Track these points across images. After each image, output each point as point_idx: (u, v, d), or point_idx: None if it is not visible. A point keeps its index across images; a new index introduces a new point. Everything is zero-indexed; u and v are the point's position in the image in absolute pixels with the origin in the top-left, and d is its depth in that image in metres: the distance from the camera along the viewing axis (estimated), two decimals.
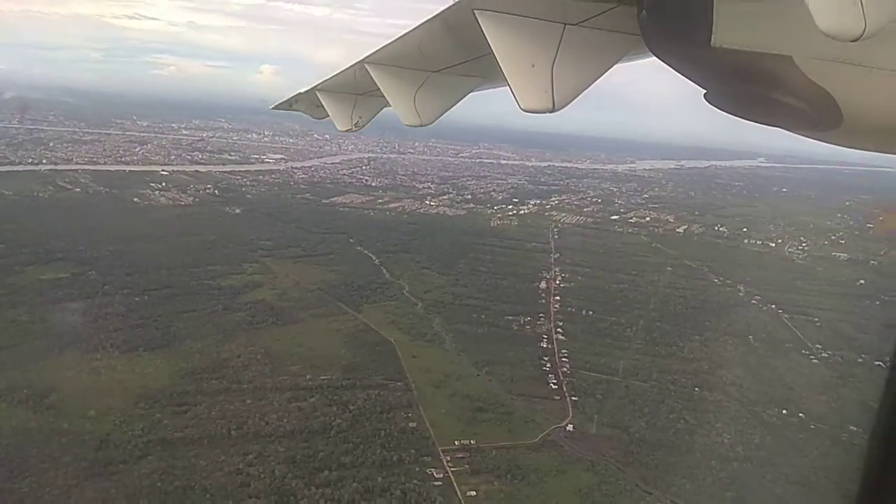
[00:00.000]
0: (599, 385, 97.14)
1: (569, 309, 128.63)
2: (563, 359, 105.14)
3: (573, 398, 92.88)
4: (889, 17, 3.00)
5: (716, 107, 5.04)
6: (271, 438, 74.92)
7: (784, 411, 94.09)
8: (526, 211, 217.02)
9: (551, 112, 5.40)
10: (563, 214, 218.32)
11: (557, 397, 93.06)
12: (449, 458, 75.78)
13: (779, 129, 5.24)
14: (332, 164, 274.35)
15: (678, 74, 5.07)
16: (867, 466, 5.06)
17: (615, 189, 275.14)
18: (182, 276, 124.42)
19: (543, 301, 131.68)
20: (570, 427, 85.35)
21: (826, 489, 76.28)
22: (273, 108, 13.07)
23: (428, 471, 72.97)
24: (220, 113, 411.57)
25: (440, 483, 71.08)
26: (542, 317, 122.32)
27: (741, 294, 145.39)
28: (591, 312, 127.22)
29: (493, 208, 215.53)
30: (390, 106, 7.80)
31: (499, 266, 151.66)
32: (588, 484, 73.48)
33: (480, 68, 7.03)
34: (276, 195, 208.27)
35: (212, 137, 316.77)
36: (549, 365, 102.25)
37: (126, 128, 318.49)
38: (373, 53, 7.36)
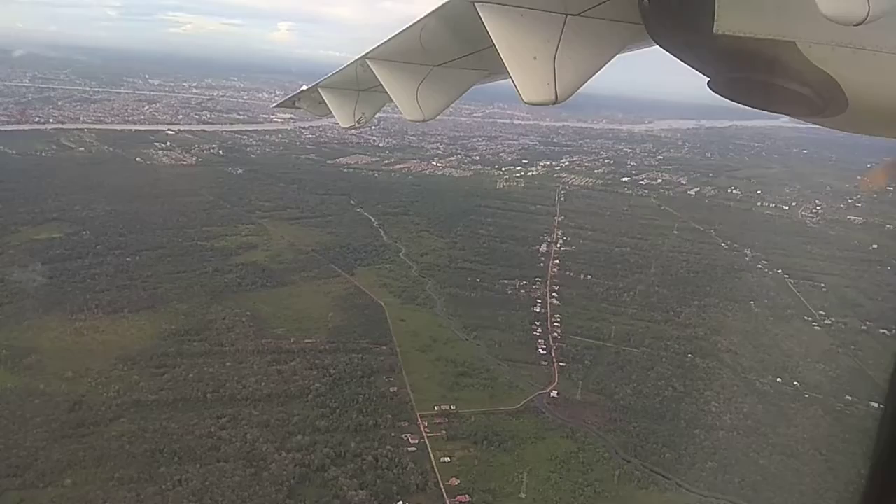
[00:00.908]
0: (589, 351, 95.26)
1: (567, 273, 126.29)
2: (555, 324, 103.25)
3: (561, 364, 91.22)
4: (893, 1, 2.99)
5: (719, 94, 5.03)
6: (247, 402, 74.42)
7: (778, 379, 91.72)
8: (534, 172, 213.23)
9: (554, 104, 5.38)
10: (573, 176, 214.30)
11: (545, 363, 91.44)
12: (426, 424, 74.79)
13: (783, 115, 5.22)
14: (335, 123, 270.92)
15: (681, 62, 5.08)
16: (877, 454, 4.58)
17: (629, 150, 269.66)
18: (176, 237, 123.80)
19: (542, 265, 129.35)
20: (554, 393, 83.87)
21: (812, 459, 74.52)
22: (275, 107, 13.95)
23: (403, 436, 72.09)
24: (233, 72, 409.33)
25: (414, 449, 70.16)
26: (538, 281, 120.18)
27: (747, 258, 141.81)
28: (589, 276, 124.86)
29: (500, 170, 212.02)
30: (392, 101, 7.81)
31: (500, 229, 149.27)
32: (566, 451, 72.17)
33: (482, 62, 7.02)
34: (281, 155, 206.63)
35: (222, 97, 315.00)
36: (539, 330, 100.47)
37: (137, 87, 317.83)
38: (374, 49, 7.33)
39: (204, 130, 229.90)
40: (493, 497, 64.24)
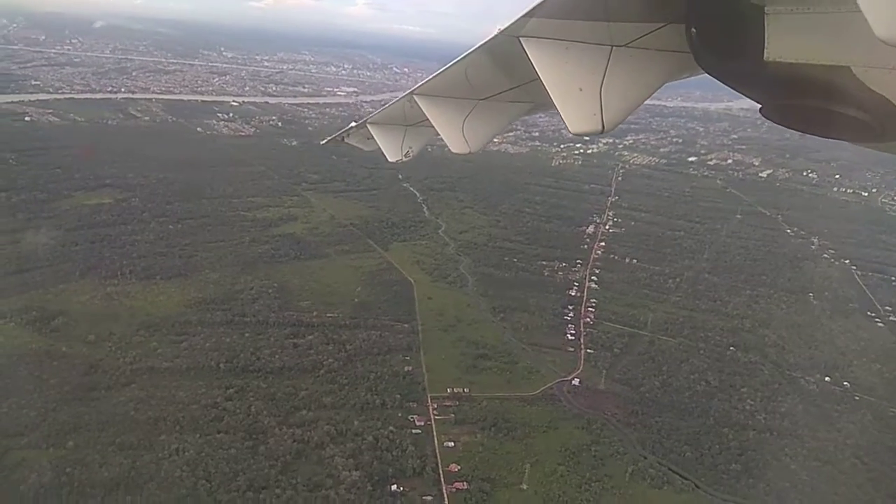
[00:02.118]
0: (621, 339, 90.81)
1: (611, 256, 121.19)
2: (590, 309, 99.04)
3: (588, 351, 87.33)
4: None
5: (772, 121, 5.07)
6: (258, 374, 74.31)
7: (827, 378, 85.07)
8: (594, 150, 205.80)
9: (601, 134, 5.52)
10: (635, 155, 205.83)
11: (571, 349, 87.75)
12: (436, 406, 72.87)
13: (840, 141, 5.14)
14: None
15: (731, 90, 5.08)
16: None
17: (701, 129, 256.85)
18: (220, 207, 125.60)
19: (586, 247, 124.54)
20: (575, 381, 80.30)
21: (852, 468, 68.58)
22: (324, 144, 14.26)
23: (409, 417, 70.41)
24: (306, 45, 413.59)
25: (419, 431, 68.40)
26: (579, 263, 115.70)
27: (813, 247, 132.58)
28: (634, 260, 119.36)
29: (558, 147, 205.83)
30: (439, 135, 7.96)
31: (547, 208, 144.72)
32: (578, 443, 68.80)
33: (527, 94, 7.15)
34: (338, 128, 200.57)
35: (291, 70, 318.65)
36: (571, 314, 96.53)
37: (211, 59, 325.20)
38: (421, 85, 7.61)
39: (267, 102, 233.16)
40: (492, 486, 61.73)
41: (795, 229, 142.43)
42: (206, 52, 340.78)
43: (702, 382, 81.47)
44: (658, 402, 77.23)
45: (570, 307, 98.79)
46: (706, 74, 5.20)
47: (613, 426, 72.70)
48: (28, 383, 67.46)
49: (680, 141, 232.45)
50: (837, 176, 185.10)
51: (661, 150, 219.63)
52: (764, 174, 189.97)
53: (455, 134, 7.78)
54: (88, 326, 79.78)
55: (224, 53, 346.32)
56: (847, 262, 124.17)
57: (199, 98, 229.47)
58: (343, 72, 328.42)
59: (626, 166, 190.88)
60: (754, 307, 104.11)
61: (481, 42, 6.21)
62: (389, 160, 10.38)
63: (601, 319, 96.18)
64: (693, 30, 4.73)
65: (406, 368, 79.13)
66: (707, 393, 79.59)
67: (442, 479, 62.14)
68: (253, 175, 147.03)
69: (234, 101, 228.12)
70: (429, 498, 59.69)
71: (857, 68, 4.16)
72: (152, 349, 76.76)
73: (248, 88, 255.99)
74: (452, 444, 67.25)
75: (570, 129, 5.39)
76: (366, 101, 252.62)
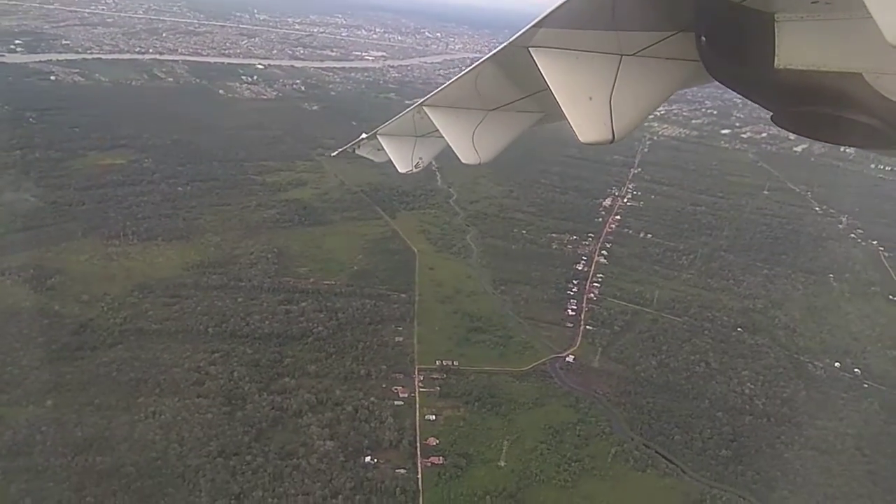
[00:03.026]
0: (623, 316, 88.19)
1: (625, 230, 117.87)
2: (595, 284, 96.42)
3: (587, 327, 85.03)
4: None
5: (784, 129, 5.03)
6: (245, 339, 73.94)
7: (836, 364, 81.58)
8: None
9: (611, 143, 5.40)
10: (666, 126, 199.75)
11: (570, 325, 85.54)
12: (422, 378, 71.69)
13: (853, 148, 5.47)
14: (432, 63, 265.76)
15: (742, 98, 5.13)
16: None
17: (738, 101, 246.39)
18: (231, 170, 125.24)
19: (600, 220, 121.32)
20: (570, 358, 78.23)
21: (851, 459, 65.68)
22: (334, 156, 14.15)
23: (393, 389, 69.37)
24: (339, 8, 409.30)
25: (401, 403, 67.35)
26: (590, 236, 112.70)
27: (841, 226, 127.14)
28: (649, 235, 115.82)
29: None
30: (449, 146, 7.94)
31: (565, 179, 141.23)
32: (564, 421, 67.04)
33: (537, 104, 7.18)
34: (361, 93, 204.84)
35: (321, 33, 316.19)
36: (575, 289, 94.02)
37: (242, 21, 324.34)
38: (430, 96, 7.57)
39: (293, 66, 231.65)
40: (468, 462, 60.52)
41: (824, 207, 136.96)
42: (238, 13, 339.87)
43: (701, 364, 78.73)
44: (652, 383, 74.86)
45: (575, 282, 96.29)
46: (716, 83, 5.18)
47: (602, 405, 70.73)
48: (16, 341, 68.11)
49: (714, 112, 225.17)
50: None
51: (694, 121, 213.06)
52: (799, 149, 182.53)
53: (465, 144, 7.69)
54: (84, 286, 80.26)
55: (256, 15, 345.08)
56: (875, 242, 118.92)
57: (226, 60, 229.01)
58: (374, 35, 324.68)
59: (655, 138, 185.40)
60: (769, 287, 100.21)
61: (490, 52, 6.25)
62: (400, 171, 10.35)
63: (605, 295, 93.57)
64: (703, 38, 4.71)
65: (397, 339, 78.00)
66: (706, 375, 76.90)
67: (418, 453, 61.15)
68: (268, 139, 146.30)
69: (259, 63, 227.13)
70: (402, 471, 58.75)
71: (868, 75, 4.17)
72: (143, 311, 76.89)
73: (275, 51, 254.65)
74: (434, 417, 66.13)
75: (579, 138, 5.33)
76: (392, 66, 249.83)
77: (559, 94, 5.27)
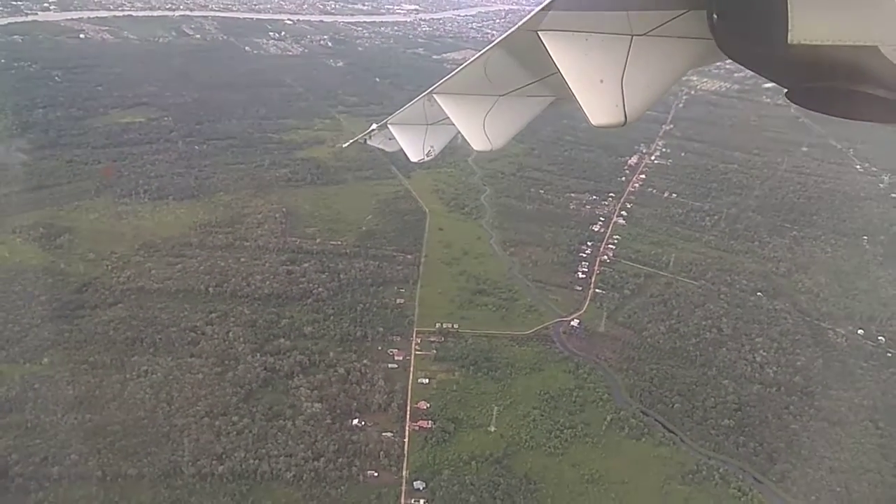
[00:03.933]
0: (636, 279, 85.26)
1: (649, 189, 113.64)
2: (610, 245, 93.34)
3: (597, 290, 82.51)
4: None
5: (799, 105, 4.93)
6: (245, 299, 73.91)
7: (860, 331, 77.57)
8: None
9: (623, 125, 5.37)
10: (705, 80, 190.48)
11: (580, 288, 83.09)
12: (419, 341, 70.70)
13: (870, 122, 5.01)
14: (466, 16, 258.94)
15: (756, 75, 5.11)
16: None
17: None
18: (249, 128, 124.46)
19: (623, 179, 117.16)
20: (574, 322, 76.11)
21: (863, 432, 62.56)
22: (346, 146, 15.71)
23: (389, 351, 68.60)
24: None
25: (395, 366, 66.60)
26: (611, 196, 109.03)
27: (882, 186, 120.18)
28: (673, 195, 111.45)
29: None
30: (461, 133, 7.97)
31: (590, 136, 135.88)
32: (561, 387, 65.41)
33: (548, 88, 7.21)
34: (389, 48, 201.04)
35: None
36: (588, 251, 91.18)
37: None
38: (440, 84, 7.64)
39: (322, 21, 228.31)
40: (457, 427, 59.69)
41: (866, 165, 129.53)
42: None
43: (713, 329, 75.67)
44: (658, 349, 72.36)
45: (590, 243, 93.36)
46: (730, 60, 5.05)
47: (603, 371, 68.76)
48: (20, 299, 69.37)
49: None
50: None
51: (736, 74, 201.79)
52: None
53: (476, 131, 7.71)
54: (91, 244, 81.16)
55: None
56: None
57: (255, 16, 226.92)
58: None
59: (692, 93, 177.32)
60: (795, 250, 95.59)
61: (498, 38, 6.20)
62: (412, 160, 10.43)
63: (620, 258, 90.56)
64: (714, 15, 4.60)
65: (398, 301, 76.99)
66: (716, 341, 73.90)
67: (407, 416, 60.47)
68: (289, 96, 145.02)
69: (288, 19, 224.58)
70: (388, 434, 58.24)
71: (884, 47, 4.10)
72: (147, 270, 77.38)
73: (306, 6, 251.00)
74: (427, 380, 65.26)
75: (591, 121, 5.25)
76: (424, 20, 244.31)
77: (570, 78, 5.24)
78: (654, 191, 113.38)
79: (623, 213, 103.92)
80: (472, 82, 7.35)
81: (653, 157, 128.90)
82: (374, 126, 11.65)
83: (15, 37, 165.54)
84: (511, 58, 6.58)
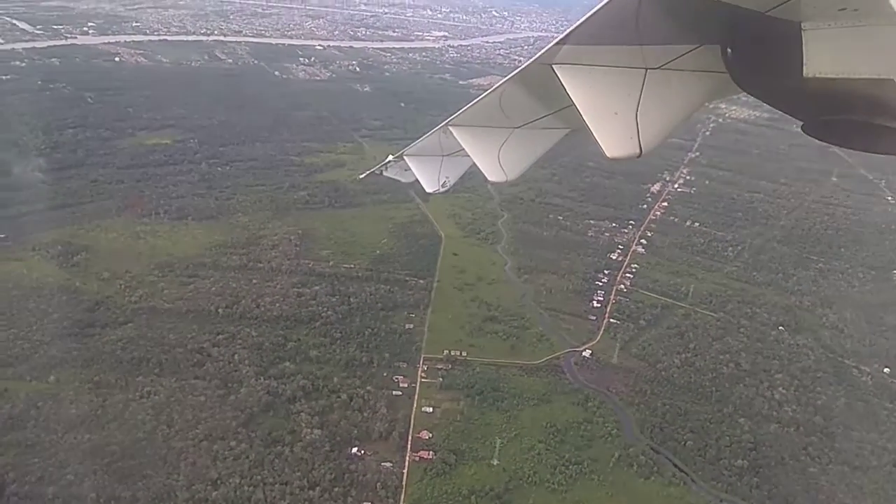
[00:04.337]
0: (653, 310, 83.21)
1: (671, 218, 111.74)
2: (628, 274, 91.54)
3: (612, 320, 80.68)
4: None
5: (816, 138, 4.94)
6: (253, 321, 73.65)
7: (886, 370, 74.51)
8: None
9: (638, 157, 5.44)
10: (734, 108, 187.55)
11: (594, 317, 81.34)
12: (426, 368, 69.61)
13: (889, 155, 4.97)
14: (494, 42, 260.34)
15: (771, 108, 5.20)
16: None
17: None
18: (272, 150, 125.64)
19: (645, 206, 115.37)
20: (587, 353, 74.34)
21: (889, 478, 59.59)
22: (362, 177, 14.85)
23: (394, 378, 67.58)
24: None
25: (399, 393, 65.50)
26: (631, 224, 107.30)
27: None
28: (696, 224, 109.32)
29: None
30: (475, 164, 8.10)
31: (613, 163, 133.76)
32: (569, 420, 63.60)
33: (562, 120, 7.36)
34: (416, 74, 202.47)
35: (386, 13, 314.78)
36: (605, 280, 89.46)
37: (310, 3, 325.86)
38: (455, 116, 7.75)
39: (351, 47, 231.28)
40: (458, 459, 58.20)
41: None
42: None
43: (731, 364, 73.29)
44: (673, 383, 70.20)
45: (606, 272, 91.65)
46: (744, 94, 5.15)
47: (614, 404, 66.78)
48: (33, 316, 70.05)
49: None
50: None
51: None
52: None
53: (491, 163, 7.80)
54: (108, 263, 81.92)
55: None
56: None
57: (287, 41, 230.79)
58: (439, 15, 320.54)
59: (720, 120, 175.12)
60: (821, 283, 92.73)
61: (513, 72, 6.29)
62: (427, 191, 10.54)
63: (637, 287, 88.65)
64: (729, 50, 4.67)
65: (407, 326, 76.11)
66: (733, 377, 71.50)
67: (408, 446, 59.25)
68: (313, 120, 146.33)
69: (319, 45, 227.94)
70: (388, 464, 57.03)
71: None
72: (159, 290, 77.76)
73: (337, 32, 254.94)
74: (431, 409, 64.02)
75: (606, 153, 5.32)
76: (452, 46, 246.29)
77: (584, 111, 5.26)
78: (676, 219, 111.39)
79: (643, 241, 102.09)
80: (488, 115, 7.46)
81: (676, 185, 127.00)
82: (390, 157, 11.71)
83: (53, 59, 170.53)
84: (526, 91, 6.67)
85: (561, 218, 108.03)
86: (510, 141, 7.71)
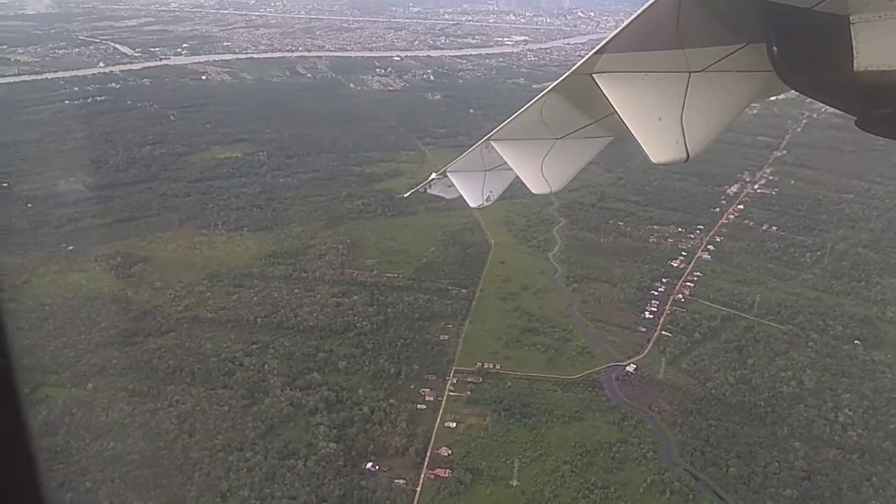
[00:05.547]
0: (711, 321, 77.10)
1: (745, 221, 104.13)
2: (689, 283, 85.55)
3: (664, 333, 75.40)
4: None
5: (870, 132, 4.82)
6: (288, 331, 73.81)
7: None
8: (779, 97, 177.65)
9: (685, 162, 5.40)
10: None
11: (644, 329, 76.29)
12: (455, 381, 67.32)
13: None
14: (575, 44, 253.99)
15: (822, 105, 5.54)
16: None
17: None
18: (334, 161, 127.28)
19: (718, 209, 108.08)
20: (631, 367, 69.65)
21: None
22: (406, 196, 19.58)
23: (421, 391, 65.69)
24: None
25: (424, 407, 63.53)
26: (699, 229, 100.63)
27: None
28: (773, 228, 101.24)
29: None
30: (519, 178, 8.19)
31: (690, 163, 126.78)
32: (601, 440, 59.46)
33: (605, 129, 7.34)
34: (490, 80, 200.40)
35: (468, 21, 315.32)
36: (661, 289, 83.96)
37: (395, 15, 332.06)
38: (497, 130, 7.95)
39: (429, 56, 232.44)
40: (474, 478, 55.50)
41: None
42: (393, 7, 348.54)
43: (792, 382, 66.46)
44: (723, 401, 64.37)
45: (664, 280, 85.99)
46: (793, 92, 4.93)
47: (653, 424, 61.94)
48: (83, 325, 73.25)
49: None
50: None
51: None
52: None
53: (534, 175, 7.82)
54: (161, 273, 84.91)
55: (411, 8, 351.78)
56: None
57: (367, 54, 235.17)
58: (522, 20, 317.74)
59: (814, 116, 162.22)
60: None
61: (553, 83, 6.27)
62: (471, 206, 10.72)
63: (697, 297, 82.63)
64: (774, 48, 4.55)
65: (442, 337, 74.11)
66: (794, 396, 64.77)
67: (425, 463, 57.19)
68: (380, 129, 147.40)
69: (397, 55, 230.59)
70: (401, 482, 55.17)
71: None
72: (205, 299, 79.65)
73: (416, 42, 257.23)
74: (455, 424, 61.67)
75: (652, 159, 5.27)
76: (531, 50, 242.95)
77: (627, 118, 5.26)
78: (752, 223, 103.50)
79: (710, 247, 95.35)
80: (529, 127, 7.47)
81: (756, 186, 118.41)
82: (433, 175, 11.70)
83: (145, 80, 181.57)
84: (567, 101, 6.61)
85: (622, 223, 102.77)
86: (553, 152, 7.67)
